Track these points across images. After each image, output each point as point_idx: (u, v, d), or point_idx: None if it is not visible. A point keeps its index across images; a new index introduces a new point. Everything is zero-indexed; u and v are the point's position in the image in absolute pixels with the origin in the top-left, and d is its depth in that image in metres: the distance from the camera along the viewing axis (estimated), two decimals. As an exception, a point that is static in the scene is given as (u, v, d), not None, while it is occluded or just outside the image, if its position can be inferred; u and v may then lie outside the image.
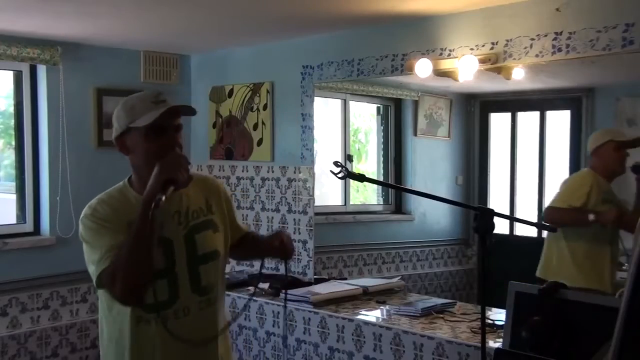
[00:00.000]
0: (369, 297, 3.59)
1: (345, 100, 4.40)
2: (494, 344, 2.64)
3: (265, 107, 4.26)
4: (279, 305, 3.60)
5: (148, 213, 1.74)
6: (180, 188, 1.86)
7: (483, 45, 3.20)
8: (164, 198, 1.75)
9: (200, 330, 1.95)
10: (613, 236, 3.31)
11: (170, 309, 1.90)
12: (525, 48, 3.05)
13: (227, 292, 3.24)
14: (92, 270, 1.87)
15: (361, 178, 2.24)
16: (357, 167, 4.57)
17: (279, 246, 2.07)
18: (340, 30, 3.80)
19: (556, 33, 2.94)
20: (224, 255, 2.07)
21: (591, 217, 3.22)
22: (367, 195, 4.77)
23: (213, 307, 2.00)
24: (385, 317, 3.28)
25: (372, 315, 3.31)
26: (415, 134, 4.50)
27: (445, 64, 3.33)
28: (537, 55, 3.02)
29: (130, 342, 1.90)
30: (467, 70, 3.22)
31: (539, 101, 4.10)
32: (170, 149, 1.86)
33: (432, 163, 4.58)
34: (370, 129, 4.70)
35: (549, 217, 3.39)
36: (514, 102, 4.23)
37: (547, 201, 3.66)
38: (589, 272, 3.29)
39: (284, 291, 3.42)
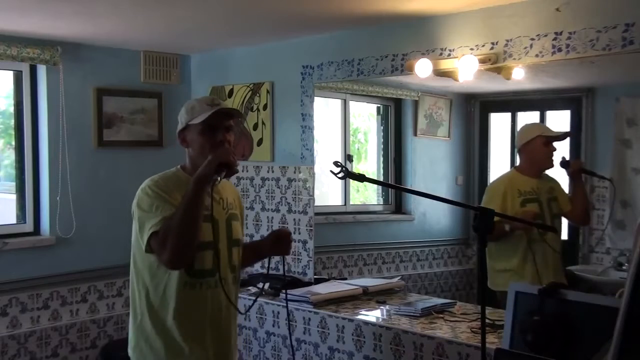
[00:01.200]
0: (369, 297, 3.59)
1: (345, 100, 4.40)
2: (494, 344, 2.64)
3: (265, 107, 4.26)
4: (279, 305, 3.60)
5: (200, 188, 2.08)
6: (230, 175, 2.20)
7: (483, 45, 3.20)
8: (219, 179, 2.18)
9: (231, 299, 2.35)
10: (534, 237, 3.31)
11: (213, 277, 2.26)
12: (525, 48, 3.05)
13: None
14: (143, 236, 2.15)
15: (361, 178, 2.24)
16: (356, 167, 4.57)
17: (274, 243, 2.49)
18: (340, 30, 3.80)
19: (556, 33, 2.94)
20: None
21: (507, 227, 3.27)
22: (367, 195, 4.77)
23: (237, 286, 2.42)
24: (385, 317, 3.28)
25: (372, 315, 3.31)
26: (415, 134, 4.50)
27: (445, 64, 3.33)
28: (537, 55, 3.02)
29: (175, 304, 2.21)
30: (467, 70, 3.22)
31: (539, 101, 4.10)
32: (220, 144, 2.23)
33: (432, 163, 4.58)
34: (370, 129, 4.70)
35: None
36: (514, 102, 4.22)
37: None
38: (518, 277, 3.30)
39: (283, 291, 3.44)
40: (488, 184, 3.78)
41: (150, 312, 2.26)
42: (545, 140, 3.41)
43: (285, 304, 3.54)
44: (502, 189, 3.43)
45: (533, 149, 3.44)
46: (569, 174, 3.47)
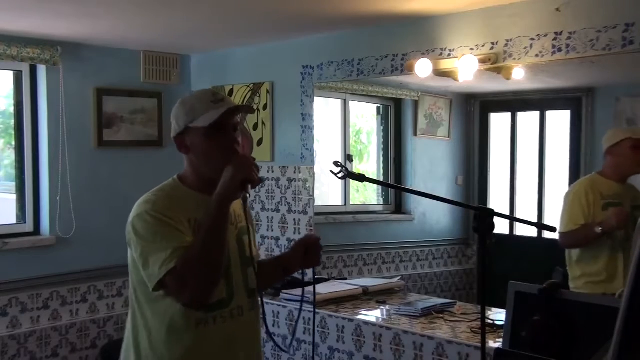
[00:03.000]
0: (369, 297, 3.59)
1: (345, 100, 4.40)
2: (494, 344, 2.64)
3: (265, 107, 4.26)
4: (279, 305, 3.59)
5: (226, 212, 1.76)
6: (255, 187, 1.87)
7: (483, 45, 3.20)
8: (248, 196, 1.82)
9: (251, 331, 1.99)
10: (625, 240, 3.15)
11: (227, 308, 1.89)
12: (525, 48, 3.05)
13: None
14: (153, 272, 1.76)
15: (361, 178, 2.24)
16: (357, 167, 4.57)
17: (304, 255, 2.08)
18: (340, 30, 3.80)
19: (556, 33, 2.94)
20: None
21: (598, 229, 3.09)
22: (367, 195, 4.77)
23: (257, 310, 2.01)
24: (385, 317, 3.28)
25: (372, 315, 3.31)
26: (415, 134, 4.50)
27: (445, 64, 3.33)
28: (537, 55, 3.01)
29: (185, 349, 1.84)
30: (467, 70, 3.22)
31: (539, 101, 4.10)
32: (229, 147, 1.88)
33: (432, 163, 4.58)
34: (371, 130, 4.70)
35: (562, 244, 3.27)
36: (514, 102, 4.23)
37: (548, 201, 3.67)
38: (606, 285, 3.15)
39: (305, 296, 3.42)
40: (572, 185, 3.44)
41: (154, 356, 1.86)
42: (633, 143, 3.21)
43: (283, 304, 3.55)
44: (583, 191, 3.23)
45: (620, 152, 3.23)
46: None
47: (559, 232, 3.24)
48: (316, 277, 3.89)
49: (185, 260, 1.72)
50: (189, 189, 1.92)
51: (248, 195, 1.84)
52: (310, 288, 3.58)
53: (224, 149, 1.87)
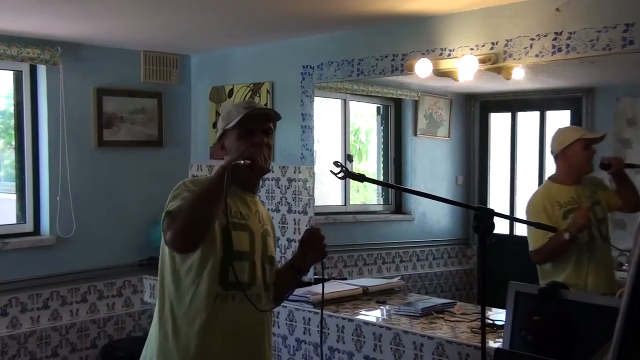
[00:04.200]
0: (369, 297, 3.59)
1: (345, 100, 4.40)
2: (494, 344, 2.64)
3: (265, 107, 4.25)
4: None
5: (222, 173, 1.90)
6: (258, 172, 2.04)
7: (483, 45, 3.20)
8: (242, 162, 1.95)
9: (266, 322, 2.16)
10: (590, 241, 3.13)
11: (246, 291, 2.02)
12: (525, 48, 3.05)
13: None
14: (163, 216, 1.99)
15: (361, 178, 2.24)
16: (356, 167, 4.57)
17: (311, 250, 2.19)
18: (340, 30, 3.80)
19: (556, 33, 2.94)
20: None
21: (566, 235, 3.04)
22: (367, 195, 4.77)
23: (271, 306, 2.20)
24: (385, 317, 3.28)
25: (372, 315, 3.31)
26: (415, 134, 4.50)
27: (445, 64, 3.33)
28: (537, 55, 3.01)
29: (204, 319, 1.99)
30: (467, 70, 3.22)
31: (539, 101, 4.10)
32: (257, 146, 2.08)
33: (432, 163, 4.58)
34: (371, 129, 4.70)
35: (538, 261, 3.22)
36: (514, 102, 4.22)
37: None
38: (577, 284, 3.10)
39: (305, 296, 3.46)
40: (529, 198, 3.36)
41: (173, 328, 2.02)
42: (585, 143, 3.17)
43: (283, 304, 3.55)
44: (541, 205, 3.19)
45: (573, 154, 3.18)
46: (612, 173, 3.20)
47: (531, 251, 3.18)
48: (316, 277, 3.93)
49: (179, 207, 1.93)
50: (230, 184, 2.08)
51: (241, 162, 1.96)
52: (311, 288, 3.61)
53: (250, 147, 2.06)
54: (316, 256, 2.21)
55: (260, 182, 2.34)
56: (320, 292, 3.51)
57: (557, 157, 3.26)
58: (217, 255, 2.00)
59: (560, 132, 3.31)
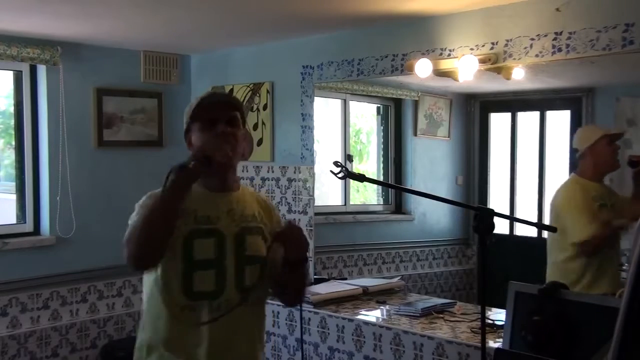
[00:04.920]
0: (369, 297, 3.59)
1: (345, 100, 4.40)
2: (494, 344, 2.64)
3: (265, 107, 4.26)
4: (279, 305, 3.59)
5: (175, 186, 1.82)
6: (218, 167, 1.90)
7: (483, 45, 3.20)
8: (191, 164, 1.84)
9: (239, 329, 1.99)
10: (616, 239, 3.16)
11: (215, 300, 1.93)
12: (525, 48, 3.05)
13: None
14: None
15: (361, 178, 2.24)
16: (357, 168, 4.57)
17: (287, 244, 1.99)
18: (340, 30, 3.80)
19: (556, 33, 2.94)
20: (270, 267, 2.03)
21: (622, 221, 3.01)
22: (367, 195, 4.77)
23: (253, 310, 2.02)
24: (385, 317, 3.28)
25: (372, 315, 3.31)
26: (415, 134, 4.50)
27: (445, 64, 3.33)
28: (537, 55, 3.02)
29: (167, 332, 1.93)
30: (467, 70, 3.22)
31: (539, 101, 4.10)
32: (219, 138, 1.95)
33: (432, 163, 4.58)
34: (371, 130, 4.70)
35: (587, 252, 3.12)
36: (514, 102, 4.22)
37: (548, 201, 3.65)
38: (603, 281, 3.12)
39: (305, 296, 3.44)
40: (561, 192, 3.29)
41: (148, 341, 1.98)
42: (609, 140, 3.18)
43: (284, 305, 3.54)
44: (580, 196, 3.16)
45: (600, 151, 3.18)
46: (638, 172, 3.18)
47: (579, 242, 3.09)
48: (316, 277, 3.94)
49: (134, 225, 1.87)
50: (199, 186, 1.98)
51: (191, 165, 1.84)
52: (310, 288, 3.60)
53: (212, 139, 1.96)
54: (295, 254, 1.98)
55: (232, 174, 2.10)
56: (321, 292, 3.53)
57: (583, 155, 3.25)
58: (178, 267, 1.91)
59: (584, 130, 3.34)
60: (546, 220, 3.74)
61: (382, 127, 4.61)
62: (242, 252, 1.99)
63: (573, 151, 3.34)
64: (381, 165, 4.61)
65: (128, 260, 1.85)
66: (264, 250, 2.02)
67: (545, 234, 3.77)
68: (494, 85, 3.91)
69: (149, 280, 1.98)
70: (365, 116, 4.71)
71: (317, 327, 3.37)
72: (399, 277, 4.01)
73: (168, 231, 1.83)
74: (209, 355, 1.93)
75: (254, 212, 2.07)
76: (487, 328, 2.42)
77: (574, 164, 3.37)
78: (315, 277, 3.97)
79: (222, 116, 2.00)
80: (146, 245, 1.82)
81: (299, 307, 3.42)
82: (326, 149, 4.37)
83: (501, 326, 2.69)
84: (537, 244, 4.00)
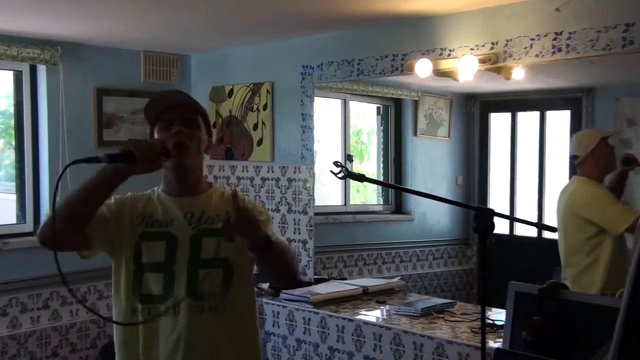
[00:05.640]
0: (369, 297, 3.59)
1: (345, 100, 4.40)
2: (494, 344, 2.64)
3: (265, 107, 4.26)
4: (279, 305, 3.60)
5: (99, 173, 1.89)
6: (135, 170, 1.81)
7: (483, 45, 3.20)
8: (102, 155, 1.86)
9: (192, 335, 1.91)
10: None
11: (162, 304, 1.91)
12: (525, 48, 3.05)
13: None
14: None
15: (361, 178, 2.24)
16: (357, 168, 4.56)
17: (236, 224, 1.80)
18: (340, 30, 3.80)
19: (556, 33, 2.94)
20: (241, 268, 1.97)
21: None
22: (367, 195, 4.77)
23: (213, 315, 1.92)
24: (385, 317, 3.28)
25: (372, 315, 3.31)
26: (415, 134, 4.50)
27: (445, 64, 3.33)
28: (537, 55, 3.02)
29: (122, 334, 2.00)
30: (467, 70, 3.22)
31: (539, 101, 4.10)
32: (174, 136, 1.91)
33: (432, 163, 4.58)
34: (372, 130, 4.70)
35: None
36: (514, 102, 4.22)
37: (548, 201, 3.66)
38: (618, 278, 3.09)
39: (305, 296, 3.47)
40: (580, 190, 3.29)
41: (115, 342, 2.06)
42: (607, 141, 3.23)
43: (283, 304, 3.55)
44: (602, 191, 3.20)
45: (601, 154, 3.22)
46: (632, 169, 3.24)
47: (626, 230, 3.05)
48: (316, 277, 3.94)
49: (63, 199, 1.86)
50: (162, 192, 2.02)
51: (102, 156, 1.89)
52: (310, 288, 3.61)
53: (172, 141, 1.91)
54: (246, 234, 1.81)
55: (193, 176, 2.00)
56: (321, 292, 3.53)
57: (584, 161, 3.26)
58: (128, 268, 1.96)
59: (582, 136, 3.35)
60: (546, 221, 3.75)
61: (382, 127, 4.61)
62: (196, 256, 1.92)
63: (572, 158, 3.33)
64: (381, 165, 4.61)
65: (38, 234, 1.95)
66: (225, 251, 1.93)
67: (545, 234, 3.77)
68: (494, 85, 3.91)
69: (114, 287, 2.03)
70: (366, 116, 4.71)
71: (317, 327, 3.37)
72: (399, 277, 4.01)
73: (86, 212, 1.91)
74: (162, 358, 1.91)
75: (219, 213, 1.95)
76: (487, 328, 2.42)
77: (574, 167, 3.38)
78: (315, 277, 3.98)
79: (176, 117, 1.95)
80: (53, 220, 1.87)
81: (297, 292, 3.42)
82: (326, 149, 4.37)
83: (501, 326, 2.68)
84: (537, 244, 4.01)
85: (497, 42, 3.15)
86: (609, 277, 3.11)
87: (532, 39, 3.02)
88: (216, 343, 1.94)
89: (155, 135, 1.98)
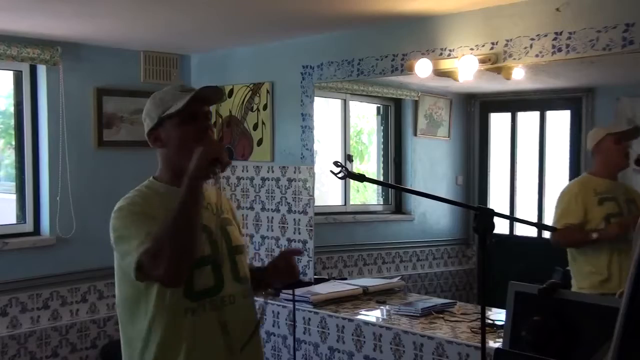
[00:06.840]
0: (369, 297, 3.59)
1: (345, 100, 4.40)
2: (494, 344, 2.64)
3: (265, 107, 4.26)
4: (279, 305, 3.60)
5: (196, 185, 1.72)
6: (224, 168, 1.78)
7: (483, 45, 3.20)
8: (218, 172, 1.75)
9: (246, 320, 1.95)
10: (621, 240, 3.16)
11: (216, 295, 1.88)
12: (525, 48, 3.05)
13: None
14: (129, 260, 1.77)
15: (361, 178, 2.24)
16: (357, 168, 4.56)
17: (285, 267, 2.03)
18: (340, 30, 3.80)
19: (556, 33, 2.94)
20: None
21: (594, 235, 3.13)
22: (367, 195, 4.77)
23: (251, 299, 2.01)
24: (385, 317, 3.28)
25: (372, 315, 3.31)
26: (415, 134, 4.50)
27: (445, 64, 3.33)
28: (537, 55, 3.02)
29: (182, 334, 1.83)
30: (467, 70, 3.22)
31: (539, 101, 4.10)
32: (203, 133, 1.87)
33: (432, 163, 4.58)
34: (372, 130, 4.70)
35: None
36: (514, 102, 4.22)
37: (548, 201, 3.66)
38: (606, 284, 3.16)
39: (305, 295, 3.47)
40: (560, 192, 3.39)
41: (146, 346, 1.86)
42: (615, 138, 3.26)
43: (283, 304, 3.55)
44: (576, 189, 3.29)
45: (606, 149, 3.29)
46: None
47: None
48: (316, 277, 3.94)
49: (156, 239, 1.70)
50: (166, 184, 1.95)
51: (219, 173, 1.76)
52: (310, 288, 3.61)
53: (197, 135, 1.86)
54: (288, 278, 2.04)
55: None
56: (321, 292, 3.53)
57: (593, 153, 3.36)
58: None
59: (592, 131, 3.44)
60: (546, 221, 3.75)
61: (382, 127, 4.61)
62: (230, 243, 1.97)
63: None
64: (381, 165, 4.61)
65: (168, 280, 1.74)
66: (241, 239, 2.05)
67: (545, 234, 3.77)
68: (494, 85, 3.91)
69: (131, 290, 1.89)
70: (366, 116, 4.71)
71: (317, 327, 3.37)
72: (399, 277, 4.01)
73: (196, 235, 1.74)
74: (227, 349, 1.88)
75: (226, 207, 2.08)
76: (487, 328, 2.42)
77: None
78: (315, 277, 3.98)
79: (201, 110, 1.91)
80: (183, 256, 1.71)
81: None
82: (326, 149, 4.37)
83: (501, 326, 2.68)
84: (537, 244, 4.01)
85: (497, 42, 3.15)
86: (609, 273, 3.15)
87: (532, 39, 3.02)
88: (258, 325, 2.02)
89: (171, 128, 1.91)
